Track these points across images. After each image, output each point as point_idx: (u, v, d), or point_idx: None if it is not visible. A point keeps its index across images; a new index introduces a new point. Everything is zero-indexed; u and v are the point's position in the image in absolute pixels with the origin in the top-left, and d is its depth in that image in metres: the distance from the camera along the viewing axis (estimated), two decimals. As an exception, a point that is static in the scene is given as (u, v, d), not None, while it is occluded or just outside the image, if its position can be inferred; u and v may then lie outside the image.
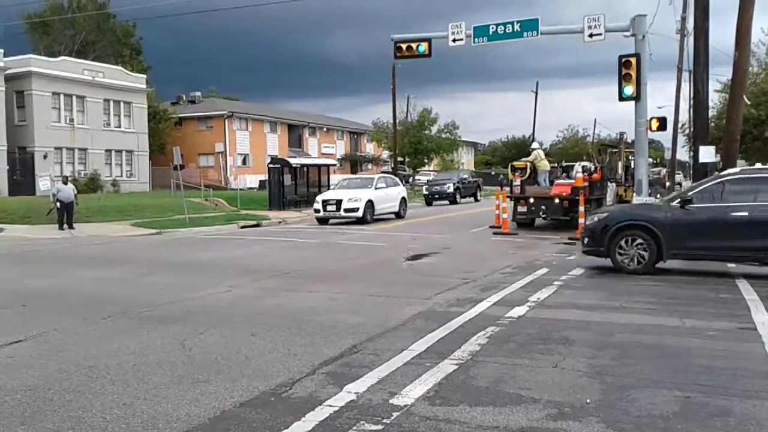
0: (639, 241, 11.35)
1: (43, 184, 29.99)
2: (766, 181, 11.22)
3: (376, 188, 25.06)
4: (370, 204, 23.81)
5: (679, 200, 11.48)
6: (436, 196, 38.17)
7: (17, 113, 40.21)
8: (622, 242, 11.49)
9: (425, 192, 39.04)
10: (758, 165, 18.23)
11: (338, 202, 23.64)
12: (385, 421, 4.46)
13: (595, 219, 12.26)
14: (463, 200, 39.12)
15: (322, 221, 24.16)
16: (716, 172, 13.95)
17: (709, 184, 11.66)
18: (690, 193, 11.53)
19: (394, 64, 40.14)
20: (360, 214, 23.26)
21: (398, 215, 26.08)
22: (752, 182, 11.28)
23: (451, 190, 38.12)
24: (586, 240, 12.22)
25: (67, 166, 41.16)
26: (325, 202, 24.10)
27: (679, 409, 4.68)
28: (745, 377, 5.44)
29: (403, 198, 26.90)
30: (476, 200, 40.55)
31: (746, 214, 10.72)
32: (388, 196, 25.66)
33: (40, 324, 7.52)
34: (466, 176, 43.46)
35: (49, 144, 40.51)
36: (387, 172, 54.16)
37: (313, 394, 5.03)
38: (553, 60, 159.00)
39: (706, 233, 11.02)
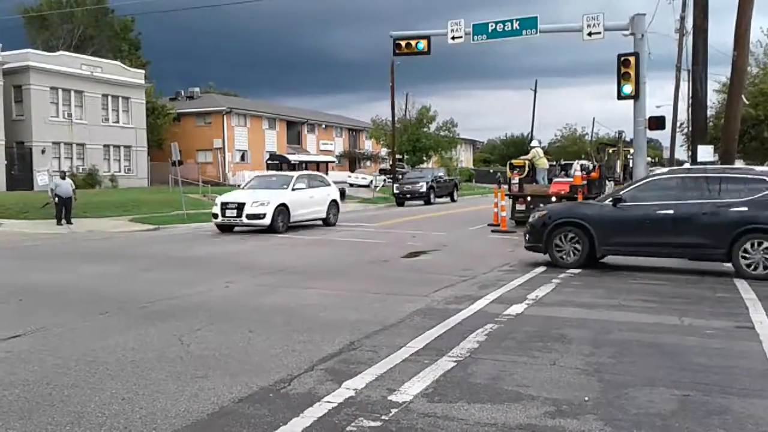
0: (573, 236, 11.82)
1: (41, 179, 30.01)
2: (691, 181, 11.84)
3: (293, 189, 20.36)
4: (282, 209, 19.36)
5: (611, 199, 12.04)
6: (408, 195, 35.76)
7: (15, 108, 40.15)
8: (558, 238, 11.93)
9: (395, 191, 36.60)
10: (686, 165, 18.59)
11: (240, 206, 19.01)
12: (383, 417, 4.46)
13: (536, 216, 12.67)
14: (438, 200, 37.19)
15: (224, 228, 19.58)
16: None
17: (639, 183, 12.36)
18: (621, 192, 12.09)
19: (393, 61, 40.04)
20: (267, 221, 18.84)
21: (327, 222, 21.58)
22: (678, 182, 11.97)
23: (425, 189, 35.76)
24: (527, 236, 12.62)
25: (65, 161, 41.12)
26: (224, 206, 19.34)
27: (677, 408, 4.69)
28: (743, 376, 5.45)
29: (334, 201, 22.17)
30: (453, 200, 38.46)
31: (671, 212, 11.22)
32: (312, 199, 21.03)
33: (38, 319, 7.51)
34: (441, 174, 40.70)
35: (47, 139, 40.46)
36: (385, 170, 54.07)
37: (311, 390, 5.03)
38: (552, 58, 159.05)
39: (635, 230, 11.52)
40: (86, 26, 55.11)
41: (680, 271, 11.79)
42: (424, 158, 55.07)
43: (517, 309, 8.11)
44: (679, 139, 43.27)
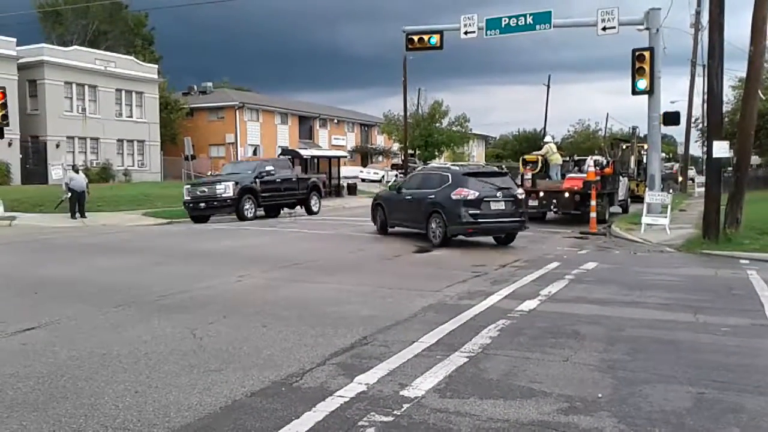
0: (379, 212, 17.33)
1: (55, 172, 30.24)
2: (423, 176, 16.65)
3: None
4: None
5: (397, 186, 17.57)
6: (203, 206, 21.63)
7: (30, 102, 40.41)
8: (374, 213, 17.73)
9: (185, 198, 22.27)
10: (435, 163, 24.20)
11: None
12: (395, 412, 4.45)
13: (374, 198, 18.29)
14: (273, 214, 24.29)
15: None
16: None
17: (410, 175, 18.67)
18: (401, 182, 18.08)
19: (406, 56, 39.86)
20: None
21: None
22: (419, 177, 16.95)
23: (230, 194, 21.52)
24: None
25: (79, 155, 41.35)
26: None
27: (691, 405, 4.65)
28: (758, 373, 5.39)
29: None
30: (310, 212, 25.11)
31: (411, 198, 15.80)
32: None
33: (53, 312, 7.57)
34: (271, 168, 23.47)
35: (61, 133, 40.69)
36: (397, 165, 53.95)
37: (323, 384, 5.03)
38: (564, 54, 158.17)
39: (400, 210, 16.42)
40: (100, 21, 55.30)
41: (694, 267, 11.69)
42: (437, 153, 54.95)
43: (530, 305, 8.08)
44: (694, 134, 42.95)
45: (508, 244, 15.08)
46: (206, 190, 21.86)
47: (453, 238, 14.60)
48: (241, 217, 21.55)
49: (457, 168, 15.77)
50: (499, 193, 14.38)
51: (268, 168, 22.10)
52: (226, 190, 20.85)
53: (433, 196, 14.85)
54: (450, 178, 14.92)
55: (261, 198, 22.41)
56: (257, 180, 22.54)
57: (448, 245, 14.25)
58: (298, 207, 25.26)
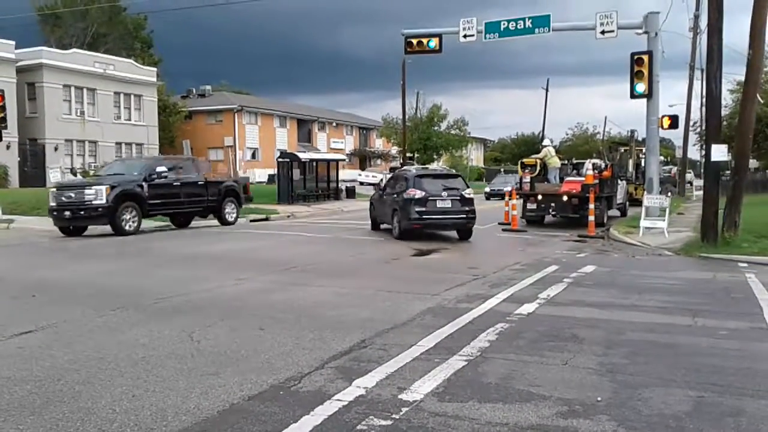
0: (372, 211, 19.60)
1: (53, 176, 30.21)
2: (397, 177, 18.29)
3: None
4: None
5: (381, 188, 19.47)
6: (67, 213, 17.36)
7: (28, 105, 40.41)
8: (371, 213, 19.77)
9: (50, 203, 17.99)
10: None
11: None
12: (394, 416, 4.43)
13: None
14: (180, 224, 20.55)
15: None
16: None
17: (389, 177, 20.58)
18: (384, 183, 19.70)
19: (405, 59, 39.92)
20: None
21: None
22: (396, 177, 18.80)
23: (103, 200, 17.18)
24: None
25: (78, 158, 41.38)
26: None
27: (691, 409, 4.64)
28: (757, 377, 5.38)
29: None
30: (223, 223, 21.11)
31: (386, 197, 17.87)
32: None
33: (50, 315, 7.54)
34: (163, 169, 18.90)
35: (60, 136, 40.70)
36: (395, 168, 53.97)
37: (321, 388, 5.01)
38: (562, 58, 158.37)
39: (381, 208, 18.37)
40: (99, 24, 55.37)
41: (694, 270, 11.69)
42: (435, 156, 55.00)
43: (528, 308, 8.06)
44: (692, 138, 42.95)
45: (465, 239, 16.88)
46: (73, 195, 17.44)
47: (407, 231, 16.49)
48: (118, 231, 17.20)
49: (414, 171, 18.13)
50: (445, 193, 16.47)
51: (160, 168, 18.35)
52: (98, 195, 16.88)
53: (395, 196, 17.12)
54: (408, 179, 16.97)
55: (149, 206, 18.27)
56: (145, 183, 18.17)
57: (445, 245, 14.24)
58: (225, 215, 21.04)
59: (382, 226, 18.62)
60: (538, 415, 4.49)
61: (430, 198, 16.26)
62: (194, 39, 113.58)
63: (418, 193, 16.19)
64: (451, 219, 16.63)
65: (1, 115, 21.94)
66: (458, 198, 16.52)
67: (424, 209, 16.16)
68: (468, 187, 17.47)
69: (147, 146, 46.70)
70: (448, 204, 16.45)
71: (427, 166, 50.53)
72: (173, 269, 11.68)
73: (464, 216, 16.57)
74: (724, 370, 5.55)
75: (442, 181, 17.11)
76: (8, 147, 34.97)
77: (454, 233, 17.25)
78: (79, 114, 42.23)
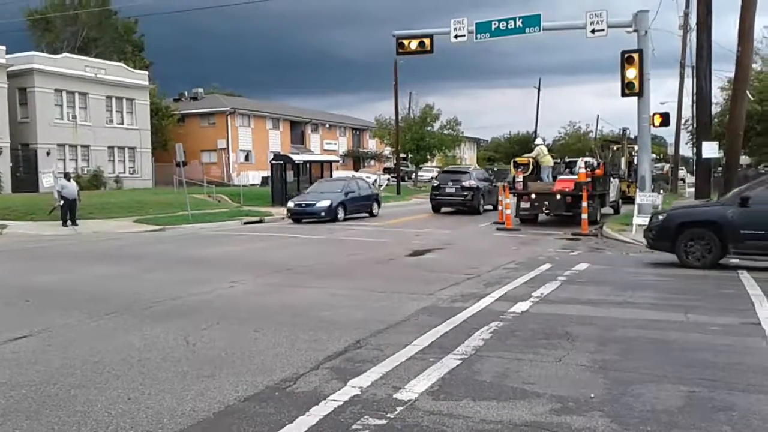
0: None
1: (46, 180, 30.05)
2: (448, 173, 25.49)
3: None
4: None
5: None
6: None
7: (20, 110, 40.21)
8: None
9: None
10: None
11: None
12: (389, 415, 4.46)
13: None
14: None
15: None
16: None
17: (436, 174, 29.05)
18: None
19: (397, 60, 39.96)
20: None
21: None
22: (445, 175, 27.75)
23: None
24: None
25: (70, 162, 41.17)
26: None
27: (683, 404, 4.68)
28: (748, 372, 5.44)
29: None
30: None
31: (453, 188, 26.02)
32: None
33: (45, 320, 7.54)
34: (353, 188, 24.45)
35: (52, 141, 40.50)
36: (389, 169, 53.97)
37: (317, 388, 5.04)
38: (554, 57, 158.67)
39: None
40: (90, 28, 55.15)
41: (685, 267, 11.76)
42: (428, 157, 55.02)
43: (522, 306, 8.11)
44: (684, 136, 43.16)
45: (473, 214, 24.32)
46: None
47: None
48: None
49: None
50: (451, 183, 26.75)
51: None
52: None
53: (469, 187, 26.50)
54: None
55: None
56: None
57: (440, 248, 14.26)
58: None
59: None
60: (532, 412, 4.53)
61: (442, 185, 26.52)
62: (185, 42, 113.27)
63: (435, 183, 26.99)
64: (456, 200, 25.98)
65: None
66: (460, 186, 25.72)
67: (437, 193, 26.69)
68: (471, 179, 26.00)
69: (139, 150, 46.58)
70: (452, 190, 25.92)
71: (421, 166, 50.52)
72: (168, 273, 11.67)
73: (462, 198, 25.86)
74: (715, 366, 5.60)
75: (450, 176, 27.04)
76: (0, 152, 34.82)
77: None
78: (71, 118, 42.06)
